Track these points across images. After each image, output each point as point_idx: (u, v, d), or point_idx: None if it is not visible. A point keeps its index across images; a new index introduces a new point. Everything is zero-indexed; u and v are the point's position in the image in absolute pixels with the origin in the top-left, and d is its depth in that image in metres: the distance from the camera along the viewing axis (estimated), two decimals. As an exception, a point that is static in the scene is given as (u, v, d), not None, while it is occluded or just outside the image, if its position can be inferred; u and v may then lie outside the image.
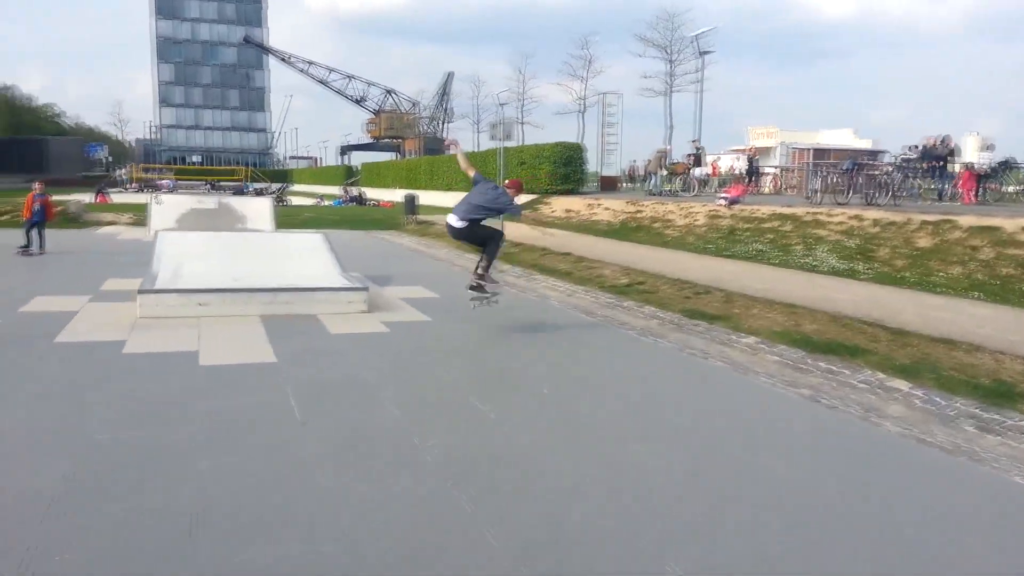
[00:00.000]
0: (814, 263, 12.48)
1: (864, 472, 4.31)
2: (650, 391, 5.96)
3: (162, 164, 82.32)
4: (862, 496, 3.95)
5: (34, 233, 13.43)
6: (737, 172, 27.71)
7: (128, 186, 52.25)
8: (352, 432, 4.63)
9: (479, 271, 7.99)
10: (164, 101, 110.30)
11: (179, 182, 58.36)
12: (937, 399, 5.82)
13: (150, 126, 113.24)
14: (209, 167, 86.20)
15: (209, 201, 14.71)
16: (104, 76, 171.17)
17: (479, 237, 8.04)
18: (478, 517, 3.50)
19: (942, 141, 18.21)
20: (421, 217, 23.96)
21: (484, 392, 5.73)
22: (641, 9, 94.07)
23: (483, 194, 7.90)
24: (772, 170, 30.61)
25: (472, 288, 7.99)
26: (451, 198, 33.85)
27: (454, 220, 7.87)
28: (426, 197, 32.78)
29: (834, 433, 5.05)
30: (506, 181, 8.43)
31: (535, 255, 15.25)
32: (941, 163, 17.86)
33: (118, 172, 66.47)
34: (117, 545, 3.12)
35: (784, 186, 29.23)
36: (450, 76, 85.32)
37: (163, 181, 56.18)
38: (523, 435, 4.72)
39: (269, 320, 7.94)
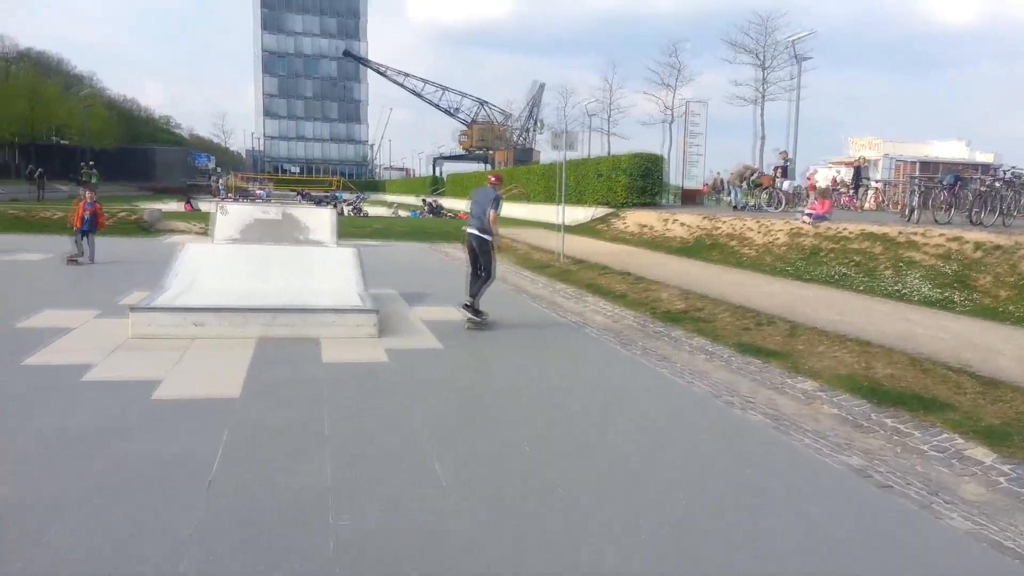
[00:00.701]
0: (904, 291, 10.96)
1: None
2: (656, 455, 4.87)
3: (262, 174, 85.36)
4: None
5: (84, 242, 13.40)
6: (838, 186, 25.69)
7: (224, 196, 54.00)
8: (262, 499, 3.82)
9: (470, 301, 8.75)
10: (268, 113, 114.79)
11: (275, 192, 60.34)
12: (1030, 480, 4.55)
13: (253, 137, 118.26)
14: (306, 177, 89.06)
15: (273, 211, 14.43)
16: (215, 89, 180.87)
17: (485, 261, 8.86)
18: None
19: None
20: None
21: (451, 448, 4.78)
22: (735, 13, 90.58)
23: (481, 201, 8.96)
24: (875, 184, 28.41)
25: (465, 307, 8.78)
26: (528, 210, 33.27)
27: (483, 232, 8.80)
28: (504, 208, 32.01)
29: (880, 529, 3.86)
30: (491, 176, 9.48)
31: (593, 273, 14.23)
32: None
33: (213, 180, 69.09)
34: None
35: (887, 202, 27.01)
36: (541, 87, 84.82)
37: (259, 191, 58.08)
38: (470, 513, 3.79)
39: (264, 343, 7.29)
